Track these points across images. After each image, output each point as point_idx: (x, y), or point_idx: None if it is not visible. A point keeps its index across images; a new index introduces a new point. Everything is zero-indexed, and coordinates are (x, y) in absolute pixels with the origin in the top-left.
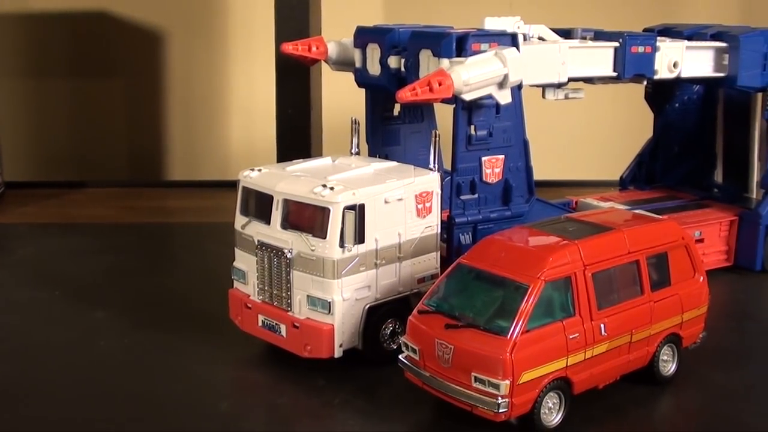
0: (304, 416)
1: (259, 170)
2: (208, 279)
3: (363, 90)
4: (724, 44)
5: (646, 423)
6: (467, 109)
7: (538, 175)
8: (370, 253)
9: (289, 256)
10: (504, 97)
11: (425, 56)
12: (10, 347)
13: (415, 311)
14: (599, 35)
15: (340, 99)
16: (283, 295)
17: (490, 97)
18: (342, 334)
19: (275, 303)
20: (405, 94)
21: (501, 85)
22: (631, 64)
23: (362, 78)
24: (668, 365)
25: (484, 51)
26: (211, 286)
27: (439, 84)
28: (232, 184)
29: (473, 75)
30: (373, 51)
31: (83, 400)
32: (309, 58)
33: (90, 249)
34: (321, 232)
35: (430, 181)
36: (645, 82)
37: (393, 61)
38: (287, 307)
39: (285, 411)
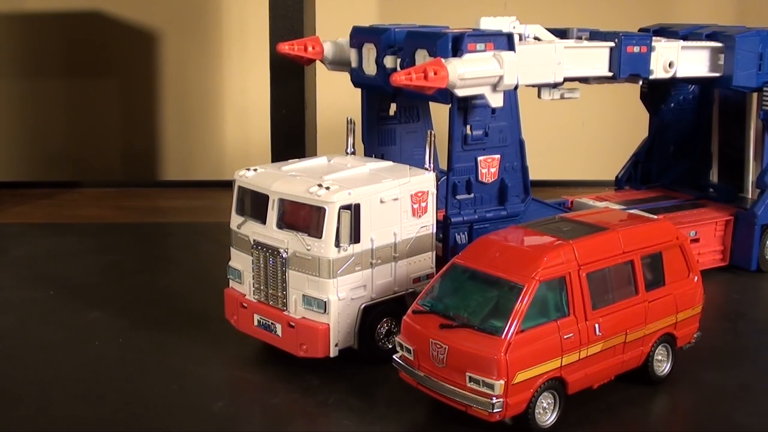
0: (298, 416)
1: (255, 170)
2: (203, 279)
3: (358, 90)
4: (719, 44)
5: (641, 423)
6: (463, 109)
7: (533, 175)
8: (365, 252)
9: (284, 255)
10: (496, 101)
11: (421, 56)
12: (5, 347)
13: (409, 311)
14: (595, 35)
15: (336, 99)
16: (279, 294)
17: (482, 97)
18: (337, 333)
19: (271, 302)
20: (399, 78)
21: (495, 86)
22: (627, 64)
23: (358, 78)
24: (663, 365)
25: (480, 51)
26: (206, 285)
27: (435, 73)
28: (227, 184)
29: (469, 71)
30: (369, 51)
31: (78, 400)
32: (305, 58)
33: (85, 249)
34: (317, 231)
35: (426, 180)
36: (640, 82)
37: (389, 61)
38: (283, 306)
39: (280, 410)
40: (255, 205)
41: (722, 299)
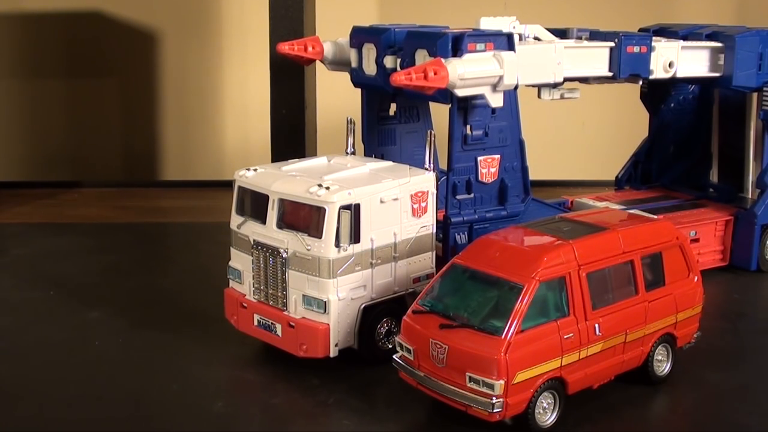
0: (298, 416)
1: (255, 170)
2: (203, 278)
3: (358, 90)
4: (719, 44)
5: (641, 423)
6: (463, 109)
7: (533, 175)
8: (365, 252)
9: (284, 255)
10: (496, 100)
11: (421, 56)
12: (5, 347)
13: (409, 311)
14: (595, 35)
15: (336, 99)
16: (279, 294)
17: (482, 97)
18: (337, 333)
19: (271, 302)
20: (399, 78)
21: (495, 86)
22: (627, 64)
23: (358, 78)
24: (662, 365)
25: (480, 51)
26: (206, 285)
27: (435, 73)
28: (227, 184)
29: (469, 71)
30: (369, 51)
31: (78, 400)
32: (305, 58)
33: (84, 249)
34: (317, 231)
35: (426, 180)
36: (640, 82)
37: (389, 61)
38: (283, 306)
39: (280, 410)
40: (255, 205)
41: (722, 299)
